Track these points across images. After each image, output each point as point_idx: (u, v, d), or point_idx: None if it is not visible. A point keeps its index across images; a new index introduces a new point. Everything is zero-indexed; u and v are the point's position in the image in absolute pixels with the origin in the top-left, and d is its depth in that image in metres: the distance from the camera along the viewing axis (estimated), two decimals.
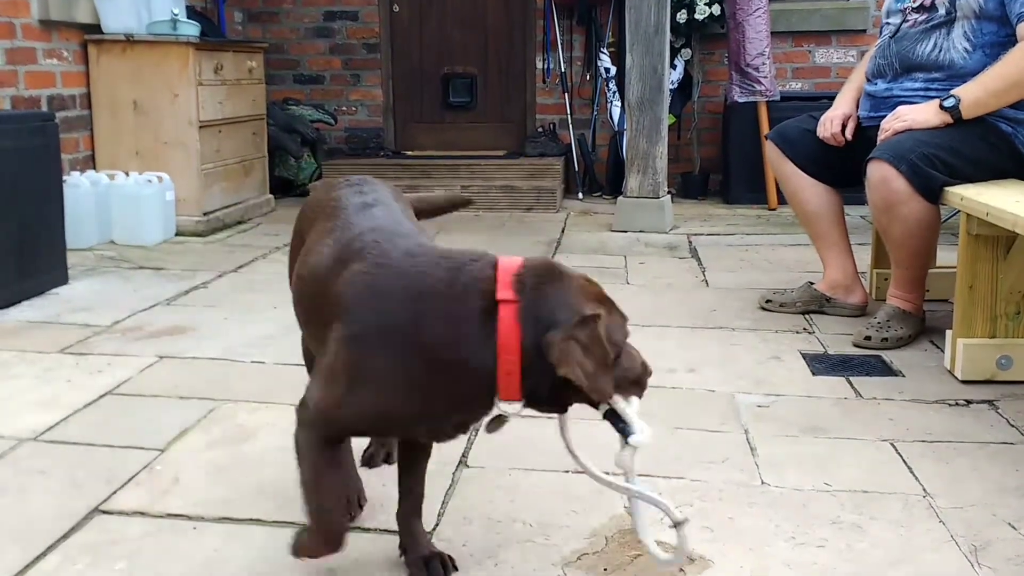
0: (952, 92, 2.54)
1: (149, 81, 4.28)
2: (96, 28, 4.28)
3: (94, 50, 4.28)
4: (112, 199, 4.10)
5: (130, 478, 1.84)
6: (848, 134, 2.86)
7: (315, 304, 1.46)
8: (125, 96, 4.28)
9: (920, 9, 2.68)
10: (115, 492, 1.78)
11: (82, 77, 4.29)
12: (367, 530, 1.65)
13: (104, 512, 1.71)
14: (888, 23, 2.82)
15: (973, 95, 2.51)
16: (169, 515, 1.71)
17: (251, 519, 1.69)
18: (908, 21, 2.71)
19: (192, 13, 4.88)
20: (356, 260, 1.37)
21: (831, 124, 2.88)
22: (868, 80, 2.84)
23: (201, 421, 2.14)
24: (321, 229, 1.53)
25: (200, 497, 1.77)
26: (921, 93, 2.65)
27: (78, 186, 3.94)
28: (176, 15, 4.28)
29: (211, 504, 1.74)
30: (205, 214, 4.41)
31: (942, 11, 2.61)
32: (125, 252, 3.97)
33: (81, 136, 4.31)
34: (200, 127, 4.34)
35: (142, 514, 1.71)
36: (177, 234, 4.33)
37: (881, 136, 2.63)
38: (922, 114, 2.56)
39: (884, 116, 2.71)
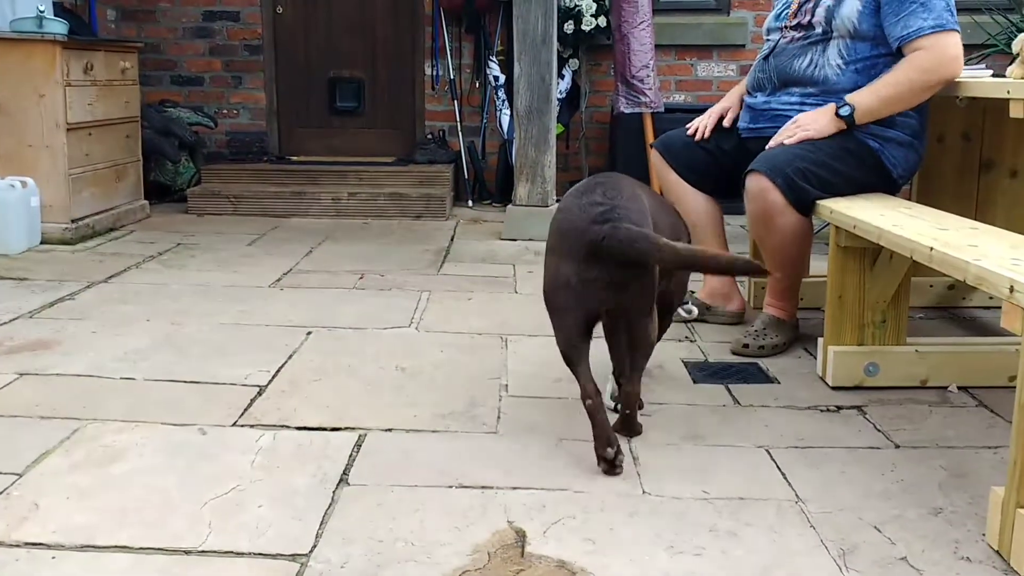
0: (847, 100, 2.63)
1: (13, 81, 4.04)
2: None
3: None
4: None
5: None
6: (726, 123, 2.96)
7: None
8: None
9: (798, 27, 2.78)
10: None
11: None
12: None
13: None
14: (768, 39, 2.92)
15: (867, 104, 2.61)
16: (26, 543, 1.60)
17: (115, 546, 1.60)
18: (786, 38, 2.81)
19: (60, 10, 4.64)
20: None
21: (705, 117, 3.00)
22: (748, 93, 2.93)
23: (64, 442, 2.02)
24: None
25: (61, 524, 1.67)
26: (797, 107, 2.75)
27: None
28: (42, 12, 4.06)
29: (73, 531, 1.64)
30: (73, 221, 4.20)
31: (819, 30, 2.72)
32: None
33: None
34: (68, 129, 4.13)
35: None
36: (43, 242, 4.10)
37: (778, 140, 2.70)
38: (821, 124, 2.64)
39: (763, 128, 2.81)
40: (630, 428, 2.10)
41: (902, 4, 2.57)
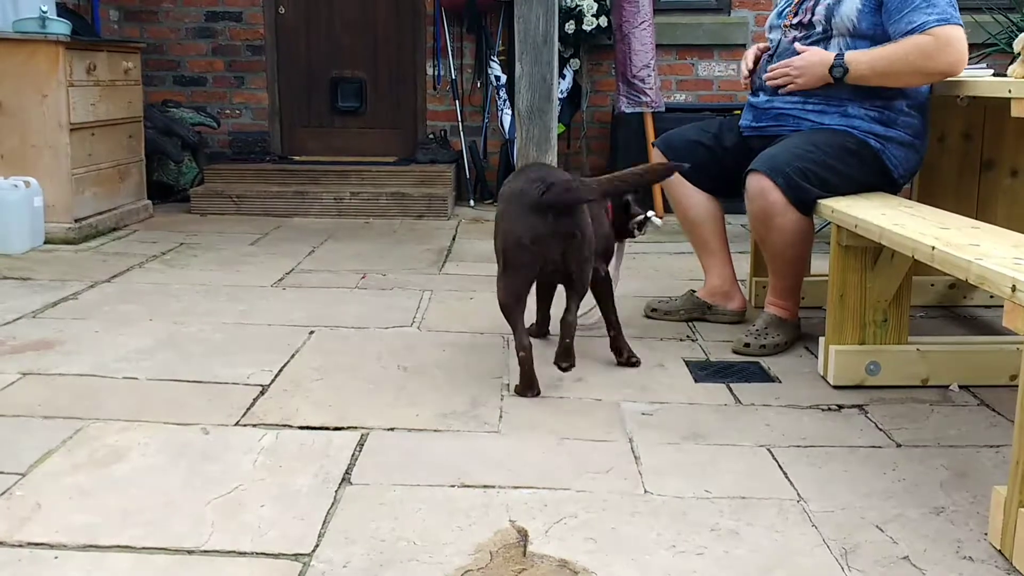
0: (844, 60, 2.62)
1: (15, 81, 4.05)
2: None
3: None
4: None
5: None
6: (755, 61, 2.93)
7: None
8: None
9: (799, 26, 2.78)
10: None
11: None
12: None
13: None
14: (770, 38, 2.92)
15: (859, 72, 2.62)
16: (29, 544, 1.61)
17: (118, 546, 1.60)
18: (787, 37, 2.81)
19: (63, 11, 4.65)
20: None
21: (745, 62, 2.96)
22: (752, 92, 2.92)
23: (66, 442, 2.02)
24: None
25: (63, 524, 1.67)
26: (799, 106, 2.75)
27: None
28: (45, 12, 4.06)
29: (75, 531, 1.65)
30: (76, 221, 4.20)
31: (819, 29, 2.71)
32: None
33: None
34: (71, 130, 4.13)
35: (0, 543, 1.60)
36: (46, 242, 4.11)
37: (770, 76, 2.75)
38: (811, 78, 2.68)
39: (766, 126, 2.81)
40: (568, 355, 2.40)
41: (904, 1, 2.56)
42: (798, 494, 1.83)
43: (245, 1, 5.83)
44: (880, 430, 2.17)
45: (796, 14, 2.80)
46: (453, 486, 1.85)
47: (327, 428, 2.13)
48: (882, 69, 2.60)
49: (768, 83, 2.79)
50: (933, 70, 2.55)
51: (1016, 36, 2.65)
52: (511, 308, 2.36)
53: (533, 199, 2.26)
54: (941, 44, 2.51)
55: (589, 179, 2.37)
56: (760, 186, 2.60)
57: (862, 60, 2.62)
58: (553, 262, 2.31)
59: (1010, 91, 2.25)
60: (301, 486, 1.84)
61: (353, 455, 1.98)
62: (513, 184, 2.43)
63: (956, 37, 2.53)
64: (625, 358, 2.63)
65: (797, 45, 2.74)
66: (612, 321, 2.66)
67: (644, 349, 2.77)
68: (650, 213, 2.72)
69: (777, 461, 1.99)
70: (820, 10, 2.71)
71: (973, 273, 1.74)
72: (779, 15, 2.90)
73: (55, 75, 4.06)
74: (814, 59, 2.68)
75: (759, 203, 2.62)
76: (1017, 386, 1.59)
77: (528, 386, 2.35)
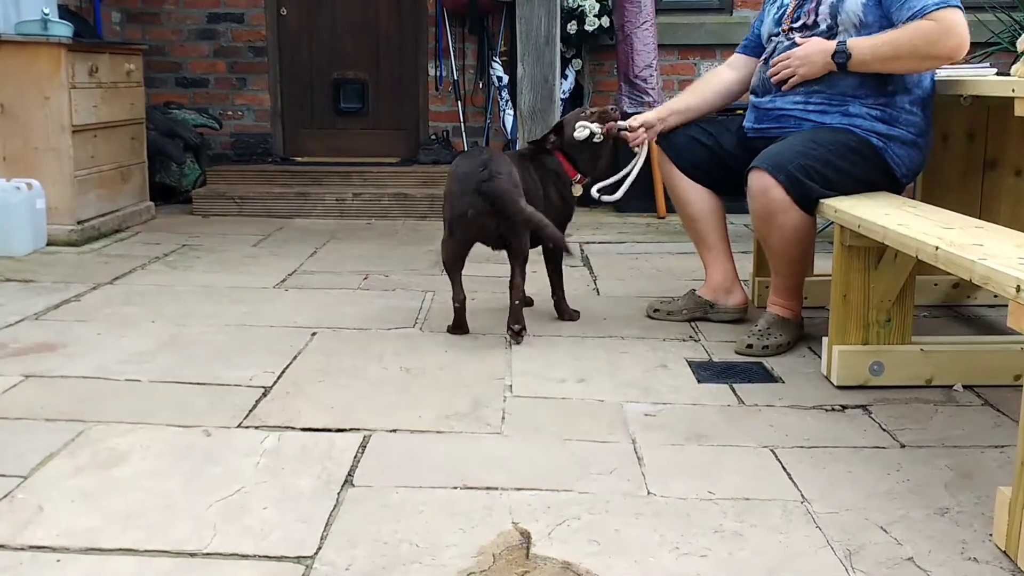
0: (847, 46, 2.61)
1: (17, 83, 4.05)
2: None
3: None
4: None
5: None
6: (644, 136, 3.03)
7: None
8: None
9: (802, 28, 2.76)
10: None
11: None
12: None
13: None
14: (768, 44, 2.90)
15: (861, 57, 2.60)
16: (31, 547, 1.60)
17: (120, 549, 1.60)
18: (788, 40, 2.79)
19: (65, 13, 4.66)
20: None
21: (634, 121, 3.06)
22: (754, 94, 2.92)
23: (68, 445, 2.02)
24: None
25: (65, 527, 1.67)
26: (801, 106, 2.74)
27: None
28: (47, 14, 4.07)
29: (77, 534, 1.65)
30: (79, 223, 4.21)
31: (824, 26, 2.70)
32: None
33: None
34: (73, 132, 4.13)
35: (1, 547, 1.60)
36: (48, 244, 4.11)
37: (772, 69, 2.77)
38: (814, 67, 2.67)
39: (768, 128, 2.80)
40: (517, 318, 2.79)
41: None
42: (802, 495, 1.83)
43: (247, 3, 5.84)
44: (884, 431, 2.16)
45: (795, 19, 2.79)
46: (456, 488, 1.85)
47: (329, 430, 2.13)
48: (884, 54, 2.58)
49: (772, 79, 2.78)
50: (936, 54, 2.54)
51: (1019, 35, 2.65)
52: (451, 267, 2.85)
53: (476, 183, 2.66)
54: (943, 28, 2.50)
55: (520, 206, 2.72)
56: (762, 184, 2.59)
57: (864, 45, 2.60)
58: (490, 234, 2.77)
59: (1013, 90, 2.24)
60: (303, 488, 1.83)
61: (356, 457, 1.98)
62: (461, 164, 2.79)
63: (957, 21, 2.51)
64: (566, 316, 3.08)
65: (797, 37, 2.74)
66: (556, 283, 3.09)
67: (647, 349, 2.77)
68: (595, 127, 3.00)
69: (781, 462, 1.99)
70: (824, 9, 2.70)
71: (977, 273, 1.73)
72: (777, 22, 2.88)
73: (57, 77, 4.06)
74: (815, 48, 2.67)
75: (761, 201, 2.62)
76: (1022, 386, 1.58)
77: (458, 327, 2.89)
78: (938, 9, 2.51)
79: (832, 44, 2.64)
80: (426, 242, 4.42)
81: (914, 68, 2.61)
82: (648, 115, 3.06)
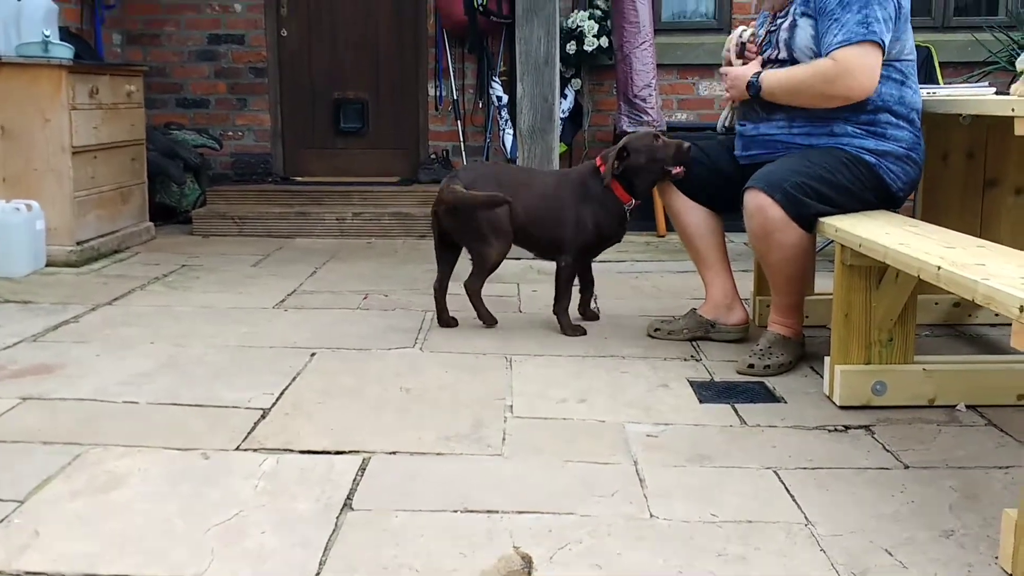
0: (760, 78, 2.73)
1: (18, 105, 4.06)
2: None
3: None
4: None
5: None
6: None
7: None
8: None
9: (772, 61, 2.79)
10: None
11: None
12: None
13: None
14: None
15: (769, 89, 2.73)
16: (27, 572, 1.59)
17: (117, 574, 1.58)
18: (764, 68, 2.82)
19: (66, 35, 4.67)
20: None
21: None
22: (739, 123, 2.94)
23: (65, 468, 2.01)
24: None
25: (61, 552, 1.65)
26: (786, 131, 2.76)
27: None
28: (48, 36, 4.08)
29: (73, 559, 1.63)
30: (78, 243, 4.20)
31: (785, 55, 2.74)
32: None
33: None
34: (73, 153, 4.14)
35: None
36: (48, 265, 4.11)
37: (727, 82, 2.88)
38: (738, 91, 2.82)
39: (757, 154, 2.82)
40: (477, 315, 3.19)
41: (823, 23, 2.62)
42: (806, 518, 1.81)
43: (248, 24, 5.86)
44: (887, 451, 2.15)
45: (763, 51, 2.83)
46: (456, 511, 1.83)
47: (328, 452, 2.11)
48: (789, 88, 2.70)
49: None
50: (833, 94, 2.61)
51: (1017, 54, 2.65)
52: (437, 257, 3.25)
53: (441, 188, 3.12)
54: (841, 69, 2.57)
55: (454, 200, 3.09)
56: (758, 203, 2.59)
57: (773, 79, 2.72)
58: (447, 235, 3.16)
59: (1013, 110, 2.24)
60: (302, 512, 1.82)
61: (355, 480, 1.97)
62: (451, 174, 3.22)
63: (857, 62, 2.55)
64: (567, 331, 3.15)
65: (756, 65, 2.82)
66: (556, 295, 3.19)
67: (648, 369, 2.76)
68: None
69: (784, 484, 1.97)
70: (781, 44, 2.76)
71: (980, 293, 1.72)
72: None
73: (58, 99, 4.07)
74: (740, 72, 2.81)
75: (758, 220, 2.62)
76: None
77: (440, 317, 3.23)
78: (842, 47, 2.56)
79: (751, 72, 2.76)
80: (426, 261, 4.41)
81: (817, 105, 2.67)
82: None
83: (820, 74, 2.61)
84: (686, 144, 3.00)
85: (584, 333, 3.12)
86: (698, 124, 5.56)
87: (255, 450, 2.13)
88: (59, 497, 1.88)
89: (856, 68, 2.55)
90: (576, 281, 3.24)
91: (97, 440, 2.16)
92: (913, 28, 2.75)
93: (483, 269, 3.15)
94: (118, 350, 2.90)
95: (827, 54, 2.59)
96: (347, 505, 1.85)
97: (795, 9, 2.72)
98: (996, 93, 2.77)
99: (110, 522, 1.77)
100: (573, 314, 3.23)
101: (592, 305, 3.36)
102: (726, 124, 3.02)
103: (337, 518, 1.79)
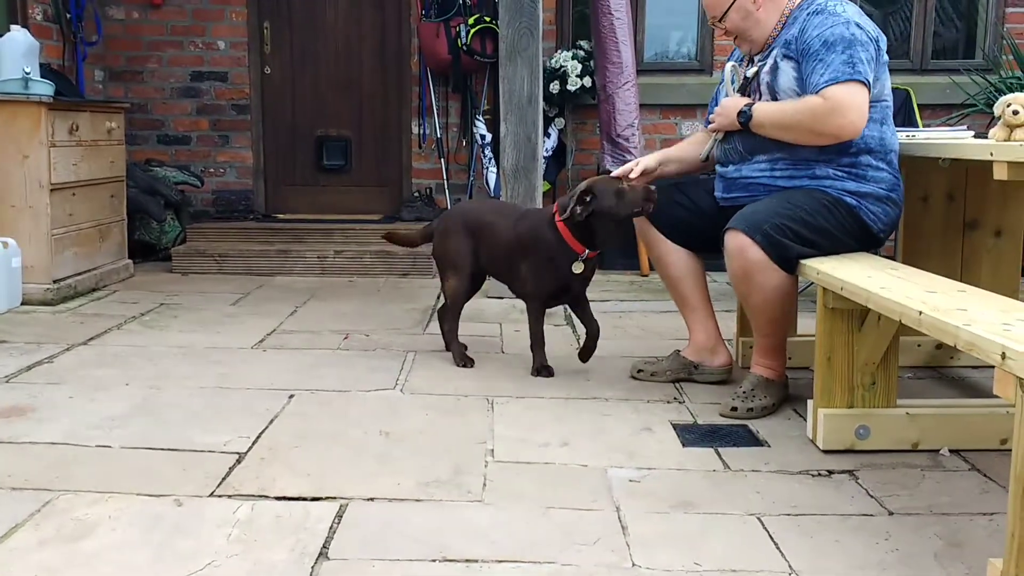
0: (752, 108, 2.73)
1: None
2: None
3: None
4: None
5: None
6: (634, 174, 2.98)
7: None
8: None
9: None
10: None
11: None
12: None
13: None
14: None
15: (759, 120, 2.72)
16: None
17: None
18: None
19: (48, 72, 4.65)
20: None
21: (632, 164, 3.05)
22: (720, 164, 2.94)
23: (34, 516, 1.95)
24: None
25: None
26: (768, 173, 2.76)
27: None
28: (28, 73, 4.06)
29: None
30: (55, 281, 4.15)
31: (768, 98, 2.75)
32: None
33: None
34: (52, 190, 4.10)
35: None
36: (23, 303, 4.05)
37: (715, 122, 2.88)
38: (726, 120, 2.81)
39: (737, 196, 2.82)
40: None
41: (808, 64, 2.64)
42: (790, 566, 1.78)
43: (231, 61, 5.87)
44: (871, 497, 2.13)
45: (743, 93, 2.84)
46: (435, 560, 1.79)
47: (305, 499, 2.07)
48: (778, 123, 2.69)
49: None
50: (822, 131, 2.61)
51: (993, 97, 2.68)
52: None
53: None
54: (830, 107, 2.57)
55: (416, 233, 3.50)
56: (738, 244, 2.59)
57: (764, 112, 2.72)
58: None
59: (992, 154, 2.25)
60: (276, 562, 1.77)
61: (331, 527, 1.92)
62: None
63: (847, 101, 2.56)
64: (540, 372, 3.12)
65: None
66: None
67: (631, 411, 2.73)
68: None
69: (768, 531, 1.94)
70: (763, 87, 2.77)
71: (962, 339, 1.71)
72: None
73: (37, 136, 4.04)
74: (732, 103, 2.81)
75: (739, 261, 2.61)
76: (1009, 450, 1.55)
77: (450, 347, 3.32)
78: (830, 86, 2.57)
79: (742, 103, 2.77)
80: (408, 300, 4.38)
81: (807, 141, 2.66)
82: (648, 160, 3.04)
83: (810, 110, 2.60)
84: (652, 187, 2.90)
85: (551, 375, 3.08)
86: None
87: (230, 496, 2.08)
88: (27, 546, 1.82)
89: (847, 106, 2.55)
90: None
91: (68, 486, 2.11)
92: (891, 71, 2.78)
93: (448, 301, 3.28)
94: (92, 392, 2.84)
95: (815, 91, 2.59)
96: (323, 554, 1.80)
97: (776, 52, 2.74)
98: (975, 136, 2.79)
99: (78, 572, 1.72)
100: (572, 354, 3.21)
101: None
102: (707, 155, 3.00)
103: (312, 568, 1.75)
